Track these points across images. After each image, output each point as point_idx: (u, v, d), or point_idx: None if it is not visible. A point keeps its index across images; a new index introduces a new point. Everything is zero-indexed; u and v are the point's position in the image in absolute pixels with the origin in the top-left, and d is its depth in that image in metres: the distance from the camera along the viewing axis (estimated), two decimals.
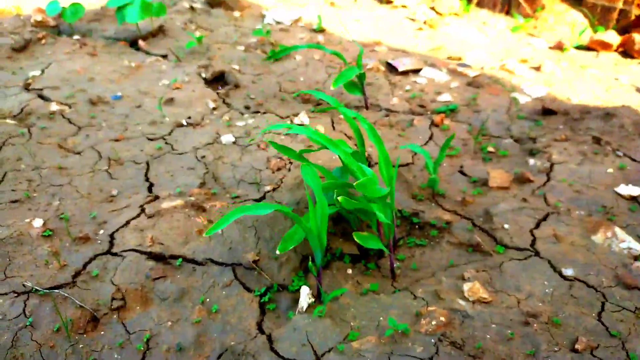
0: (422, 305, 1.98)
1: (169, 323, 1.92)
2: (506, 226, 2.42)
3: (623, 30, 4.99)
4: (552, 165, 2.88)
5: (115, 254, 2.16)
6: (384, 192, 1.96)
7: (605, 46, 4.73)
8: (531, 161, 2.93)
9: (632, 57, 4.64)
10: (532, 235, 2.36)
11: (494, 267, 2.19)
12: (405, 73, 3.99)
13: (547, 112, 3.42)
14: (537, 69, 4.11)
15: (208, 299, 2.01)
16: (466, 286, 2.05)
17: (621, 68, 4.33)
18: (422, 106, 3.52)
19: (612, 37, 4.71)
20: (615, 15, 5.03)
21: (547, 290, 2.06)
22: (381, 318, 1.93)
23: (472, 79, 3.85)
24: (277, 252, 1.99)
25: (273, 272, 2.17)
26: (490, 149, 3.11)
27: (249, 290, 2.08)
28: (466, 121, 3.40)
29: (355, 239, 2.01)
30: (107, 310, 1.95)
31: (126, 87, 3.71)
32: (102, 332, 1.89)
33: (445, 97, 3.61)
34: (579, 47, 4.83)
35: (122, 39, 4.67)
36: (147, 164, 2.80)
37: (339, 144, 2.49)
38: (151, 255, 2.14)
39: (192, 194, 2.51)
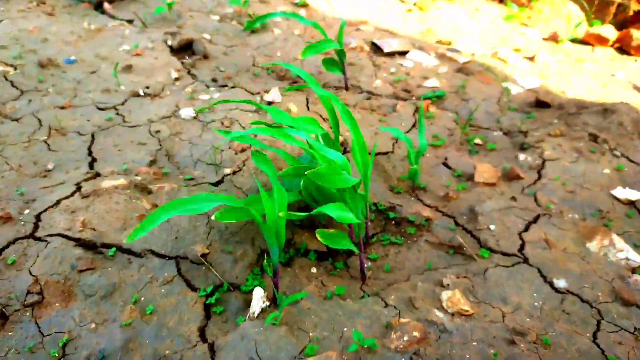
0: (393, 315, 1.71)
1: (93, 324, 1.61)
2: (492, 227, 2.16)
3: (620, 25, 4.76)
4: (544, 161, 2.62)
5: (38, 239, 1.83)
6: (350, 182, 1.66)
7: (602, 41, 4.49)
8: (521, 156, 2.67)
9: (628, 53, 4.41)
10: (521, 238, 2.10)
11: (477, 274, 1.93)
12: (391, 55, 3.69)
13: (540, 104, 3.16)
14: (531, 59, 3.85)
15: (143, 298, 1.71)
16: (445, 295, 1.78)
17: (617, 64, 4.09)
18: (407, 91, 3.23)
19: (609, 32, 4.47)
20: (612, 9, 4.79)
21: (536, 304, 1.81)
22: (345, 329, 1.65)
23: (462, 65, 3.57)
24: (213, 217, 1.65)
25: (225, 268, 1.87)
26: (478, 141, 2.84)
27: (193, 288, 1.78)
28: (453, 109, 3.12)
29: (319, 239, 1.71)
30: (20, 306, 1.63)
31: (83, 51, 3.34)
32: (10, 333, 1.57)
33: (433, 82, 3.33)
34: (574, 40, 4.58)
35: (86, 0, 4.27)
36: (93, 136, 2.47)
37: (308, 124, 2.20)
38: (80, 242, 1.82)
39: (139, 172, 2.19)
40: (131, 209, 1.96)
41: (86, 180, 2.13)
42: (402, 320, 1.66)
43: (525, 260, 1.99)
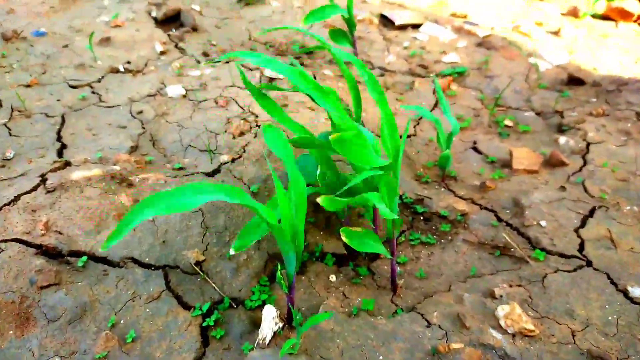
0: (439, 337, 1.36)
1: (57, 358, 1.24)
2: (543, 223, 1.81)
3: None
4: (588, 145, 2.28)
5: None
6: (382, 162, 1.31)
7: (625, 15, 4.14)
8: (562, 139, 2.32)
9: None
10: (579, 236, 1.76)
11: (533, 281, 1.58)
12: (402, 28, 3.31)
13: (573, 81, 2.81)
14: (556, 33, 3.49)
15: (122, 321, 1.34)
16: (501, 310, 1.43)
17: None
18: (423, 67, 2.86)
19: (633, 6, 4.12)
20: None
21: (610, 318, 1.47)
22: (381, 357, 1.29)
23: (483, 39, 3.20)
24: (232, 251, 1.33)
25: (224, 279, 1.50)
26: (508, 122, 2.49)
27: (185, 306, 1.41)
28: (477, 87, 2.76)
29: (345, 240, 1.35)
30: None
31: (55, 22, 2.93)
32: None
33: (452, 57, 2.96)
34: (594, 16, 4.23)
35: None
36: (63, 117, 2.07)
37: (327, 96, 1.82)
38: (42, 250, 1.44)
39: (117, 160, 1.81)
40: (107, 207, 1.58)
41: (53, 170, 1.74)
42: (452, 345, 1.31)
43: (589, 264, 1.65)
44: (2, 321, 1.29)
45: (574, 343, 1.38)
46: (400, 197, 1.96)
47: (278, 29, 2.11)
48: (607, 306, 1.50)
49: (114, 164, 1.79)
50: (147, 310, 1.36)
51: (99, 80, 2.34)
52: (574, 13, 4.19)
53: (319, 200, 1.19)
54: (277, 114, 1.47)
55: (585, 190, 2.01)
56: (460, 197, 1.99)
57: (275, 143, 1.35)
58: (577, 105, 2.60)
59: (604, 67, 3.07)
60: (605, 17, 4.23)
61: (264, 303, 1.48)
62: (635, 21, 4.20)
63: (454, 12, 3.62)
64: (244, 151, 1.96)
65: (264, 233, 1.37)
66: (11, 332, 1.27)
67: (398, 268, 1.70)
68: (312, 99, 1.38)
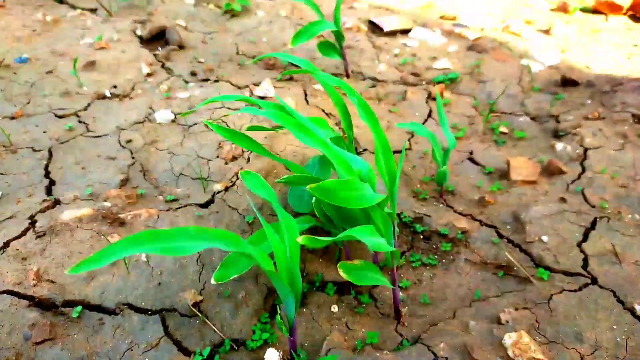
0: None
1: None
2: (544, 238, 1.78)
3: None
4: (585, 150, 2.25)
5: None
6: (373, 200, 1.26)
7: (614, 8, 4.11)
8: (559, 145, 2.29)
9: None
10: (582, 251, 1.73)
11: (539, 303, 1.55)
12: (392, 34, 3.26)
13: (567, 82, 2.78)
14: (547, 32, 3.46)
15: None
16: (509, 338, 1.40)
17: (636, 33, 3.72)
18: (415, 74, 2.82)
19: None
20: None
21: (618, 339, 1.44)
22: None
23: (473, 42, 3.16)
24: (212, 280, 1.28)
25: (224, 319, 1.47)
26: (503, 129, 2.46)
27: (185, 352, 1.37)
28: (470, 93, 2.73)
29: (344, 275, 1.31)
30: None
31: (37, 47, 2.86)
32: None
33: (443, 63, 2.92)
34: (584, 10, 4.20)
35: None
36: (50, 151, 2.02)
37: (316, 123, 1.79)
38: (35, 302, 1.39)
39: (108, 196, 1.76)
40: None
41: (42, 211, 1.69)
42: None
43: (594, 281, 1.62)
44: None
45: None
46: (399, 216, 1.93)
47: (267, 56, 2.05)
48: (615, 327, 1.47)
49: (105, 200, 1.74)
50: (147, 359, 1.32)
51: (85, 108, 2.28)
52: (563, 8, 4.16)
53: (299, 240, 1.14)
54: (263, 151, 1.44)
55: (586, 199, 1.98)
56: (460, 213, 1.96)
57: (258, 188, 1.32)
58: (572, 108, 2.57)
59: (597, 65, 3.04)
60: (595, 11, 4.21)
61: (265, 342, 1.44)
62: (624, 14, 4.17)
63: (442, 14, 3.57)
64: (237, 178, 1.92)
65: (246, 269, 1.32)
66: None
67: (401, 294, 1.67)
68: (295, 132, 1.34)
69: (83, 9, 3.48)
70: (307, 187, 1.11)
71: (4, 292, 1.40)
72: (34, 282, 1.41)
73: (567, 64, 3.04)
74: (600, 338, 1.44)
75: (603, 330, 1.46)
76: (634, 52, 3.33)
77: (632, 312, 1.51)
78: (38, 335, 1.30)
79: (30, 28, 3.07)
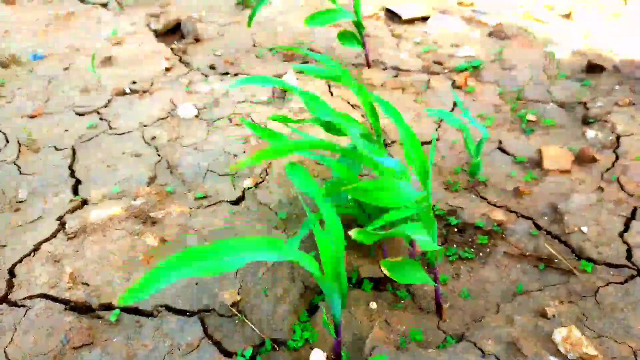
0: None
1: None
2: (584, 229, 1.73)
3: None
4: (618, 137, 2.19)
5: (14, 304, 1.38)
6: (410, 197, 1.22)
7: None
8: (589, 133, 2.23)
9: None
10: (624, 242, 1.68)
11: (585, 296, 1.51)
12: (410, 21, 3.20)
13: (593, 68, 2.71)
14: (567, 16, 3.38)
15: None
16: (558, 333, 1.36)
17: None
18: (438, 63, 2.76)
19: None
20: None
21: None
22: None
23: (494, 28, 3.10)
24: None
25: (263, 318, 1.43)
26: (531, 117, 2.40)
27: (227, 353, 1.34)
28: (495, 81, 2.67)
29: (387, 273, 1.27)
30: None
31: (52, 42, 2.82)
32: None
33: (465, 50, 2.86)
34: None
35: None
36: (73, 150, 1.98)
37: (344, 119, 1.74)
38: (71, 305, 1.36)
39: (137, 194, 1.73)
40: (134, 249, 1.50)
41: (70, 211, 1.66)
42: None
43: None
44: None
45: None
46: (432, 209, 1.88)
47: (286, 48, 2.01)
48: None
49: (134, 199, 1.71)
50: None
51: (105, 105, 2.24)
52: None
53: (351, 233, 1.10)
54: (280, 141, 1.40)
55: (622, 188, 1.93)
56: (494, 205, 1.91)
57: (302, 183, 1.28)
58: (600, 94, 2.51)
59: (621, 50, 2.97)
60: None
61: (306, 341, 1.41)
62: None
63: (460, 1, 3.50)
64: (267, 173, 1.88)
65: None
66: None
67: (440, 289, 1.62)
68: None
69: (94, 3, 3.43)
70: (342, 188, 1.08)
71: (39, 295, 1.37)
72: (69, 284, 1.38)
73: (591, 49, 2.97)
74: None
75: None
76: None
77: None
78: (77, 340, 1.27)
79: (44, 23, 3.03)
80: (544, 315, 1.47)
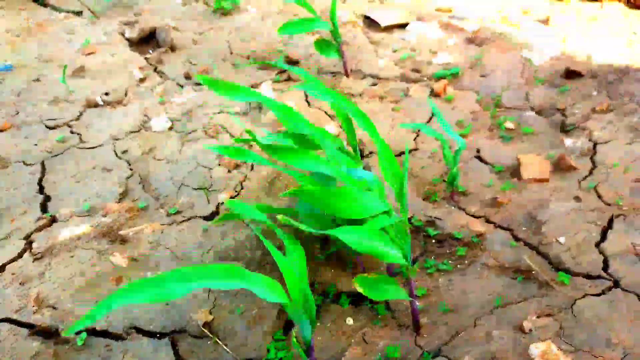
0: None
1: None
2: (562, 240, 1.73)
3: None
4: (595, 145, 2.20)
5: None
6: (376, 209, 1.21)
7: None
8: (567, 140, 2.23)
9: (638, 7, 4.00)
10: (601, 252, 1.68)
11: (563, 308, 1.50)
12: (389, 29, 3.19)
13: (571, 74, 2.72)
14: (545, 22, 3.40)
15: None
16: (535, 348, 1.35)
17: (633, 20, 3.68)
18: (416, 70, 2.75)
19: None
20: None
21: None
22: None
23: (472, 34, 3.10)
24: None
25: (237, 339, 1.39)
26: (509, 124, 2.40)
27: None
28: (473, 88, 2.66)
29: (361, 291, 1.26)
30: None
31: (22, 53, 2.75)
32: None
33: (444, 57, 2.86)
34: None
35: None
36: (43, 165, 1.93)
37: (320, 133, 1.71)
38: (36, 330, 1.31)
39: (107, 211, 1.68)
40: (102, 270, 1.46)
41: (38, 230, 1.61)
42: None
43: (616, 284, 1.57)
44: None
45: None
46: (410, 220, 1.86)
47: (264, 64, 1.98)
48: None
49: (104, 216, 1.66)
50: None
51: (77, 118, 2.19)
52: None
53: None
54: (267, 162, 1.37)
55: (600, 196, 1.93)
56: (473, 215, 1.90)
57: (249, 215, 1.25)
58: (578, 100, 2.52)
59: (598, 55, 2.99)
60: None
61: None
62: (619, 0, 4.12)
63: (438, 7, 3.50)
64: (242, 187, 1.85)
65: None
66: None
67: (418, 303, 1.60)
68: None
69: (67, 11, 3.37)
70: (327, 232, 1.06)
71: (3, 320, 1.32)
72: (34, 308, 1.33)
73: (569, 55, 2.98)
74: (629, 343, 1.39)
75: (630, 334, 1.41)
76: (633, 39, 3.29)
77: None
78: None
79: (14, 33, 2.96)
80: (522, 329, 1.45)
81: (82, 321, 0.81)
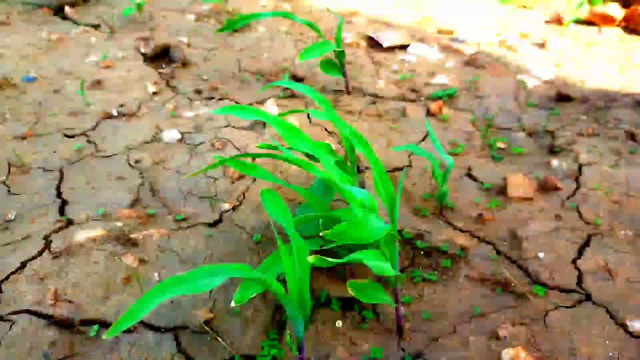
0: None
1: None
2: (540, 255, 1.85)
3: (624, 2, 4.48)
4: (580, 167, 2.33)
5: (0, 318, 1.47)
6: (380, 232, 1.33)
7: (608, 20, 4.21)
8: (554, 162, 2.36)
9: (637, 32, 4.13)
10: (577, 268, 1.80)
11: (535, 319, 1.62)
12: (391, 49, 3.34)
13: (562, 98, 2.86)
14: (542, 45, 3.54)
15: None
16: (506, 355, 1.47)
17: (629, 45, 3.81)
18: (414, 90, 2.89)
19: (615, 11, 4.19)
20: None
21: (610, 354, 1.51)
22: None
23: (470, 57, 3.24)
24: (233, 304, 1.35)
25: (234, 336, 1.53)
26: (501, 144, 2.53)
27: None
28: (468, 109, 2.80)
29: (353, 294, 1.40)
30: None
31: (43, 65, 2.93)
32: None
33: (441, 79, 3.00)
34: (577, 22, 4.29)
35: (45, 5, 3.82)
36: (61, 171, 2.08)
37: (320, 148, 1.85)
38: (53, 320, 1.46)
39: (120, 216, 1.83)
40: (114, 270, 1.60)
41: (56, 231, 1.76)
42: None
43: (588, 297, 1.69)
44: None
45: None
46: (400, 233, 1.99)
47: (273, 85, 2.13)
48: (607, 342, 1.54)
49: (117, 220, 1.81)
50: None
51: (93, 128, 2.35)
52: (557, 20, 4.25)
53: (309, 259, 1.21)
54: (270, 178, 1.51)
55: (580, 216, 2.05)
56: (459, 230, 2.02)
57: (274, 210, 1.38)
58: (567, 123, 2.65)
59: (591, 80, 3.12)
60: (589, 23, 4.30)
61: (274, 358, 1.50)
62: (618, 25, 4.26)
63: (440, 29, 3.65)
64: (244, 197, 1.99)
65: (263, 289, 1.40)
66: None
67: (403, 309, 1.73)
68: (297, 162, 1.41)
69: (86, 24, 3.55)
70: (321, 232, 1.19)
71: (23, 311, 1.47)
72: (52, 302, 1.48)
73: (562, 79, 3.12)
74: (593, 354, 1.51)
75: (596, 346, 1.53)
76: (627, 65, 3.42)
77: (624, 327, 1.58)
78: (58, 353, 1.36)
79: (35, 46, 3.14)
80: (496, 336, 1.58)
81: (120, 323, 0.95)
